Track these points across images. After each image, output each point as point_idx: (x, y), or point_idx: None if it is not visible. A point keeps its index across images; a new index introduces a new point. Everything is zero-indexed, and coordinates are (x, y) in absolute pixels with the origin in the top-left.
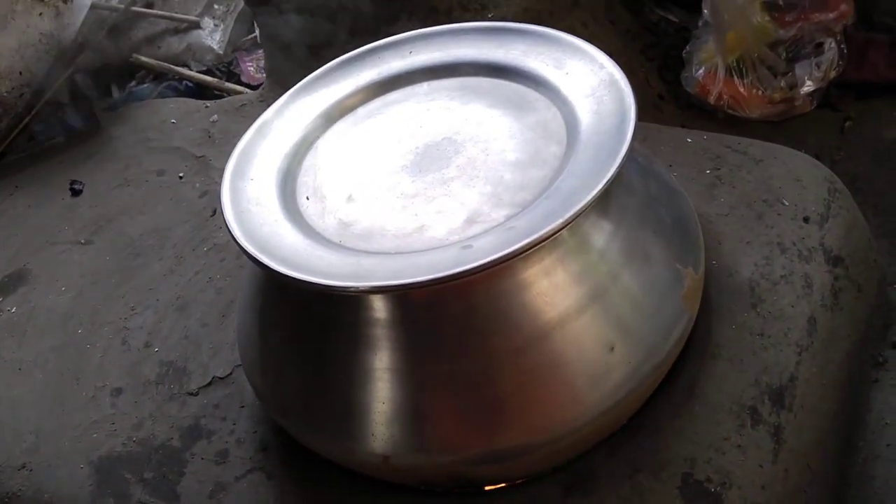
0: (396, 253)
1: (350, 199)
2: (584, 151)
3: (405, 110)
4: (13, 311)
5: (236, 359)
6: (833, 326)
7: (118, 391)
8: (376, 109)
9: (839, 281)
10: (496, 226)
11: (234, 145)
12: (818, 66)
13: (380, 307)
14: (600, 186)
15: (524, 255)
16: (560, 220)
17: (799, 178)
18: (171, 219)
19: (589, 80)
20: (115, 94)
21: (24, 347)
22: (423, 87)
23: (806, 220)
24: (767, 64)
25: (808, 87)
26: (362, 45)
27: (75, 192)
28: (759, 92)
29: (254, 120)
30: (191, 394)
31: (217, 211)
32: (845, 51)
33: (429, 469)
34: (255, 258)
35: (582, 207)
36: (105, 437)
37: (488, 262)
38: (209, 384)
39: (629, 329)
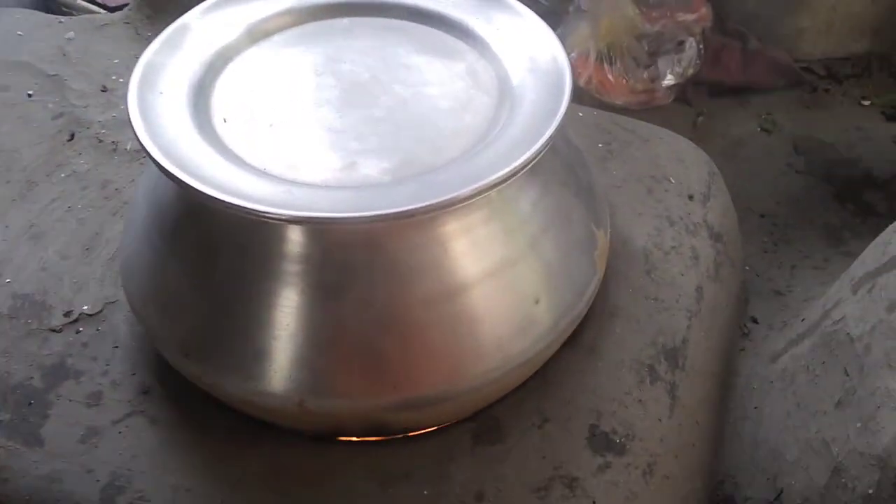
0: (327, 186)
1: (272, 126)
2: (520, 105)
3: (325, 43)
4: None
5: (106, 296)
6: (715, 296)
7: None
8: (294, 38)
9: (720, 256)
10: (435, 170)
11: (95, 66)
12: (679, 62)
13: (308, 241)
14: (544, 138)
15: (467, 202)
16: (506, 170)
17: (682, 158)
18: (19, 140)
19: (519, 38)
20: None
21: None
22: (344, 21)
23: (690, 197)
24: (633, 55)
25: (668, 80)
26: None
27: None
28: (625, 81)
29: (118, 42)
30: (53, 330)
31: (75, 135)
32: (703, 51)
33: (345, 414)
34: (175, 177)
35: (529, 156)
36: None
37: (434, 205)
38: (75, 321)
39: (552, 283)
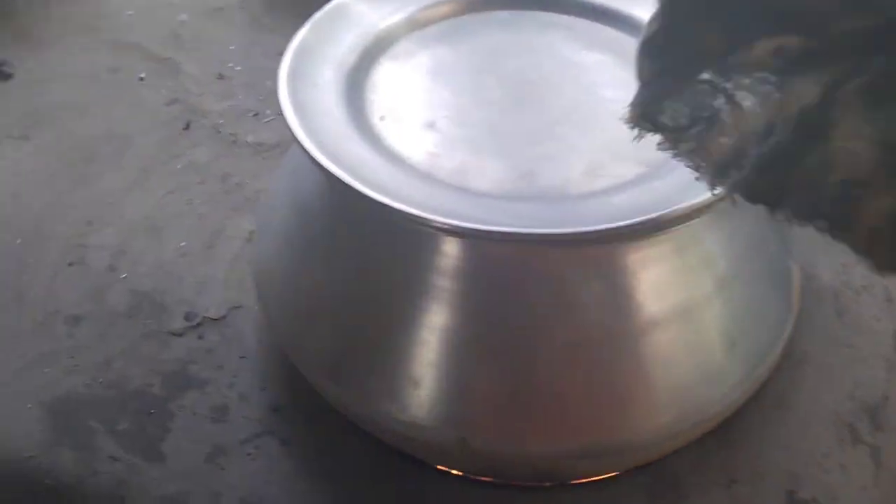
0: (502, 196)
1: (432, 126)
2: None
3: (486, 36)
4: None
5: (231, 299)
6: None
7: (76, 319)
8: (451, 30)
9: None
10: (627, 182)
11: (209, 52)
12: None
13: (478, 258)
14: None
15: (676, 224)
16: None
17: None
18: (132, 125)
19: None
20: None
21: None
22: (505, 14)
23: None
24: None
25: None
26: None
27: (3, 76)
28: None
29: (233, 27)
30: (174, 333)
31: (191, 124)
32: None
33: (510, 457)
34: (336, 177)
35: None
36: (62, 374)
37: (638, 224)
38: (198, 325)
39: (749, 325)
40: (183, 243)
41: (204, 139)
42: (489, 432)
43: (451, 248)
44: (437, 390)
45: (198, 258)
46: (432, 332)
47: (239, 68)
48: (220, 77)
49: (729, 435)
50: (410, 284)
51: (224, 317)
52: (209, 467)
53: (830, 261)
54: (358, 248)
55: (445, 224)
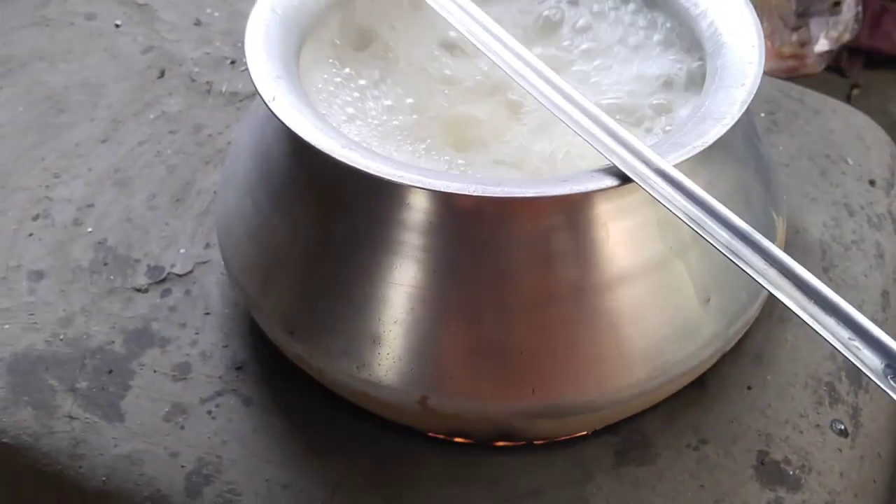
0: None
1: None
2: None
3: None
4: None
5: (198, 254)
6: None
7: (38, 275)
8: None
9: None
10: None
11: None
12: (833, 25)
13: (441, 211)
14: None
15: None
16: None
17: (861, 136)
18: (106, 74)
19: None
20: None
21: None
22: None
23: (872, 183)
24: (780, 14)
25: (821, 45)
26: None
27: None
28: (770, 43)
29: None
30: (138, 290)
31: (165, 72)
32: (861, 14)
33: (472, 417)
34: (298, 135)
35: (714, 136)
36: (21, 331)
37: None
38: (162, 280)
39: (726, 280)
40: (152, 196)
41: (178, 88)
42: (450, 391)
43: (417, 204)
44: (398, 348)
45: (166, 212)
46: (395, 288)
47: (217, 14)
48: (198, 23)
49: (703, 394)
50: (374, 239)
51: (190, 272)
52: (168, 426)
53: (820, 215)
54: (320, 202)
55: (415, 183)
